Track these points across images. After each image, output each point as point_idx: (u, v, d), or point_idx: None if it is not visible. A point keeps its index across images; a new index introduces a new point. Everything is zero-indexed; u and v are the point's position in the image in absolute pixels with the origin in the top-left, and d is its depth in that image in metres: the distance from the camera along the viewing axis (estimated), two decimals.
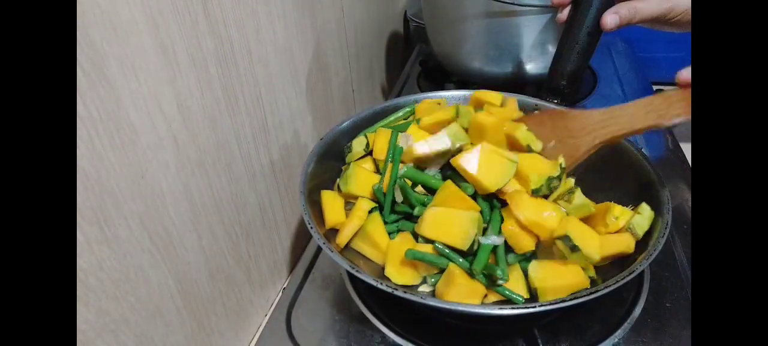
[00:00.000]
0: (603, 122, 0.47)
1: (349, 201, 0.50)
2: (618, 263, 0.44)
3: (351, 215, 0.47)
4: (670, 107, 0.43)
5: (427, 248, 0.43)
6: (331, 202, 0.48)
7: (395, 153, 0.49)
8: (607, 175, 0.52)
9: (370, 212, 0.47)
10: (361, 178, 0.49)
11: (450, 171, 0.47)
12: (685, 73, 0.42)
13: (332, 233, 0.47)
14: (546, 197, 0.45)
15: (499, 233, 0.43)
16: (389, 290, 0.38)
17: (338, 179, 0.51)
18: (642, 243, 0.42)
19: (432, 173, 0.49)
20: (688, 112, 0.42)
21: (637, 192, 0.48)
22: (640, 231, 0.42)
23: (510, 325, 0.46)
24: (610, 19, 0.52)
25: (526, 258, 0.43)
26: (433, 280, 0.43)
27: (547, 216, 0.42)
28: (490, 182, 0.43)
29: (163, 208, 0.40)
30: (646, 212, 0.43)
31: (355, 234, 0.46)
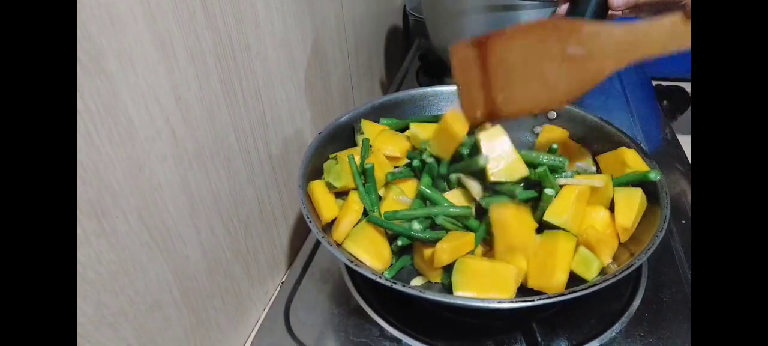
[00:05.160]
0: (628, 43, 0.40)
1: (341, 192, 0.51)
2: (617, 257, 0.44)
3: (345, 208, 0.47)
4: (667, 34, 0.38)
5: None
6: (323, 196, 0.48)
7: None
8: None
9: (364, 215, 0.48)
10: (349, 171, 0.50)
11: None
12: None
13: (329, 226, 0.47)
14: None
15: None
16: (388, 283, 0.38)
17: (327, 176, 0.50)
18: (641, 239, 0.42)
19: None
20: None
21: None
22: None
23: (508, 319, 0.46)
24: None
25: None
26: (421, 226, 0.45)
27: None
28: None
29: (161, 201, 0.40)
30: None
31: (348, 236, 0.46)
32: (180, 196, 0.42)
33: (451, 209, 0.45)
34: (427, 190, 0.47)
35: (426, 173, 0.49)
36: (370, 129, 0.56)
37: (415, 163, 0.51)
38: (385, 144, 0.54)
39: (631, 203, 0.44)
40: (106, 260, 0.34)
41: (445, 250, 0.42)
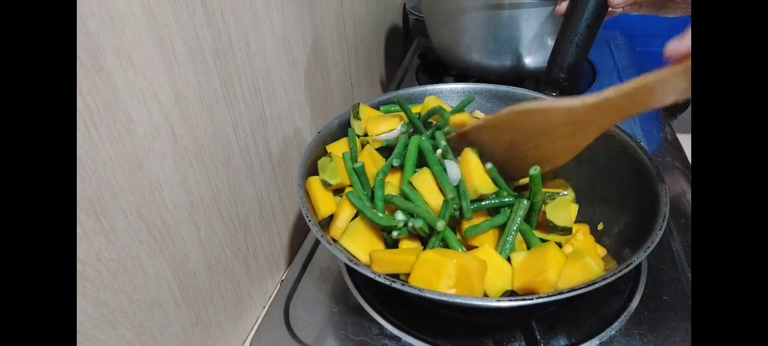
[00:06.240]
0: (591, 116, 0.41)
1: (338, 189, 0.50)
2: (615, 255, 0.44)
3: (342, 204, 0.47)
4: (664, 87, 0.37)
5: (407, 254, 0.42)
6: (320, 192, 0.48)
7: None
8: (601, 167, 0.52)
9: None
10: (344, 168, 0.50)
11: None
12: (673, 47, 0.36)
13: (326, 222, 0.47)
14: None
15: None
16: (387, 282, 0.38)
17: (322, 174, 0.49)
18: (640, 235, 0.42)
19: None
20: (683, 91, 0.37)
21: (633, 184, 0.48)
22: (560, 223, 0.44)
23: (507, 317, 0.46)
24: None
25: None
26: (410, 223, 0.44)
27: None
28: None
29: (161, 199, 0.40)
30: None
31: (344, 232, 0.46)
32: (179, 194, 0.42)
33: (428, 215, 0.43)
34: (406, 189, 0.46)
35: (413, 143, 0.50)
36: (366, 113, 0.56)
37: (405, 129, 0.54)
38: (376, 125, 0.55)
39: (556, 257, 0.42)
40: (105, 258, 0.34)
41: (378, 260, 0.41)
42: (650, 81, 0.37)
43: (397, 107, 0.60)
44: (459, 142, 0.48)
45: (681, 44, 0.35)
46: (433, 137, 0.50)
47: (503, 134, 0.45)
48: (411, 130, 0.54)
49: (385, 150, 0.54)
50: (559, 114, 0.42)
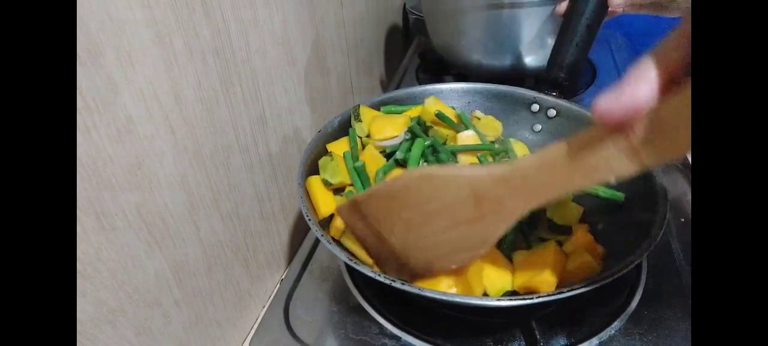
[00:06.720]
0: (499, 194, 0.31)
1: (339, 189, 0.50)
2: (616, 255, 0.44)
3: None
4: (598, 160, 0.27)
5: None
6: (321, 192, 0.48)
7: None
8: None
9: None
10: (345, 167, 0.50)
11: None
12: (605, 106, 0.24)
13: (326, 222, 0.47)
14: None
15: None
16: (387, 281, 0.38)
17: (323, 173, 0.49)
18: (640, 235, 0.42)
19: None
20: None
21: (633, 184, 0.48)
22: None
23: (507, 316, 0.46)
24: None
25: None
26: None
27: None
28: None
29: (161, 199, 0.40)
30: None
31: (344, 231, 0.46)
32: (179, 193, 0.42)
33: None
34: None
35: (417, 146, 0.50)
36: (367, 114, 0.56)
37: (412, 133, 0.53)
38: (380, 130, 0.54)
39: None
40: (105, 258, 0.34)
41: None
42: (571, 150, 0.26)
43: (398, 108, 0.60)
44: (351, 215, 0.38)
45: (616, 103, 0.22)
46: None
47: (399, 209, 0.35)
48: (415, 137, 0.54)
49: (388, 156, 0.54)
50: (461, 185, 0.32)
